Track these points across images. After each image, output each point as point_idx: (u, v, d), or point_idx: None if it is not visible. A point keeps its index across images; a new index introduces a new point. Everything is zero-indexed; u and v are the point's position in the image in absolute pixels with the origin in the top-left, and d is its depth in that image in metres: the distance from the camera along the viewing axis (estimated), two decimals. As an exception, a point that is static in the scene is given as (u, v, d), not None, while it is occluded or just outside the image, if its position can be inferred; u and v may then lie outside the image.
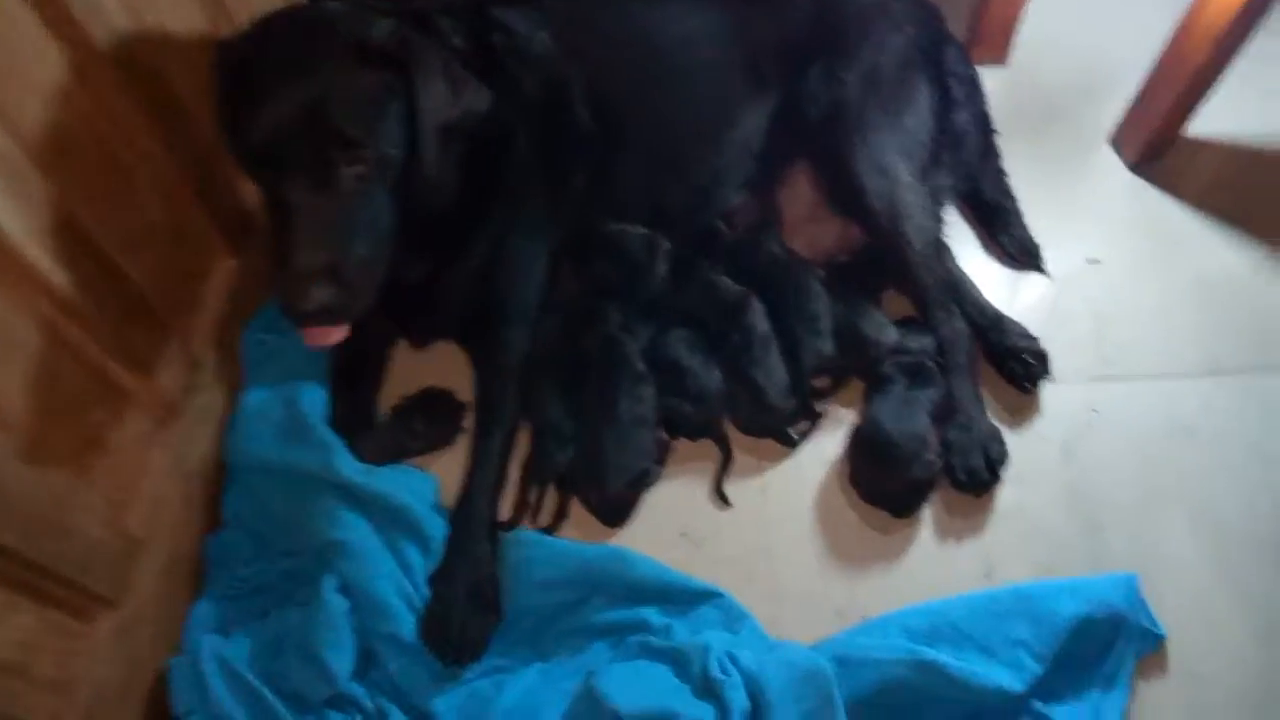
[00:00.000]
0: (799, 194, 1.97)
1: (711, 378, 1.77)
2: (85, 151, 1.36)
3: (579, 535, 1.69)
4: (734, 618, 1.58)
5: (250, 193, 1.81)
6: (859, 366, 1.81)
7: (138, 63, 1.46)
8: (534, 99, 1.68)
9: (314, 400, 1.72)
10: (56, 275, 1.30)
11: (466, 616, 1.53)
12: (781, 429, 1.78)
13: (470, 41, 1.59)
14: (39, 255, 1.26)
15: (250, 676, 1.46)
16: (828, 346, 1.80)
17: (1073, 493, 1.74)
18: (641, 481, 1.71)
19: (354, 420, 1.74)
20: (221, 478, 1.69)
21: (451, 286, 1.72)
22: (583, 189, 1.80)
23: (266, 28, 1.44)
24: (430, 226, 1.59)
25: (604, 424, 1.70)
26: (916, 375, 1.77)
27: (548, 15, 1.73)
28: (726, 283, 1.85)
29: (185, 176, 1.61)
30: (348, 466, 1.63)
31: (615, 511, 1.71)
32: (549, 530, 1.69)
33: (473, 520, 1.65)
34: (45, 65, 1.28)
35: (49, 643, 1.27)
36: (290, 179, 1.35)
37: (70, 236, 1.32)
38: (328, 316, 1.39)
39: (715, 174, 1.90)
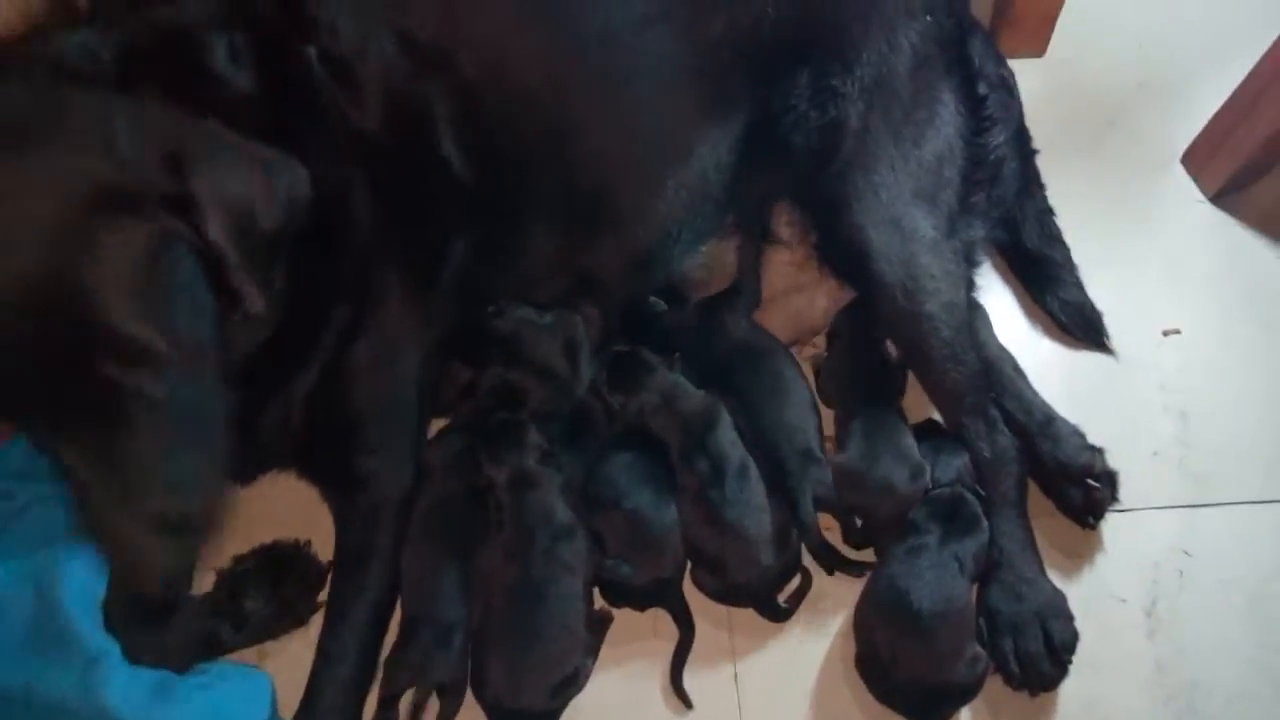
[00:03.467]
0: (775, 250, 1.48)
1: (665, 520, 1.29)
2: None
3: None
4: None
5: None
6: (871, 512, 1.32)
7: None
8: (374, 140, 1.15)
9: (83, 579, 1.19)
10: None
11: None
12: (768, 596, 1.30)
13: (259, 69, 1.03)
14: None
15: None
16: (824, 475, 1.31)
17: (1166, 678, 1.29)
18: (569, 687, 1.23)
19: (141, 601, 1.21)
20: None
21: (281, 414, 1.20)
22: (464, 262, 1.28)
23: None
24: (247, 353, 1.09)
25: (516, 604, 1.22)
26: (953, 519, 1.29)
27: None
28: (686, 387, 1.36)
29: None
30: (120, 690, 1.13)
31: None
32: None
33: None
34: None
35: None
36: (43, 428, 0.90)
37: None
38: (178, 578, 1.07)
39: (660, 227, 1.39)
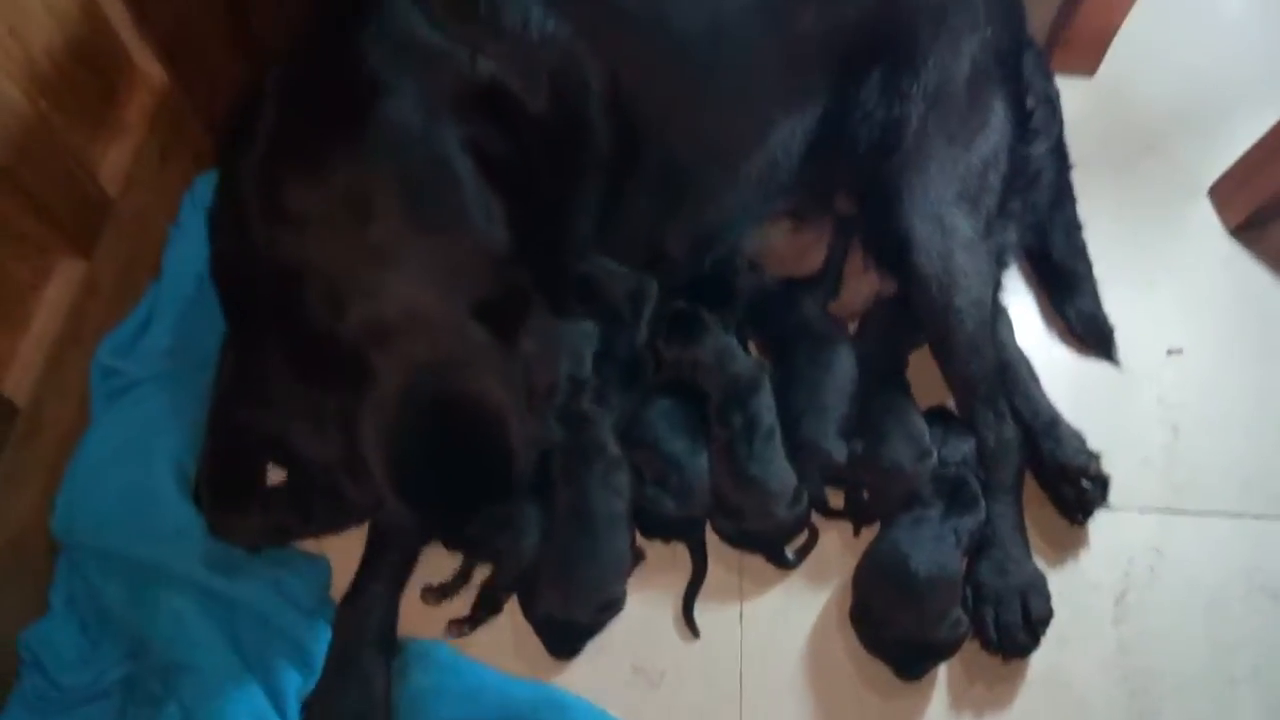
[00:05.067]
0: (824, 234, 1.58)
1: (698, 467, 1.41)
2: None
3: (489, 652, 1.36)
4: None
5: (110, 167, 1.37)
6: (881, 488, 1.44)
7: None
8: (542, 116, 1.23)
9: (177, 455, 1.34)
10: None
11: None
12: (778, 545, 1.43)
13: None
14: None
15: None
16: (839, 450, 1.42)
17: (1125, 660, 1.41)
18: (613, 608, 1.36)
19: (226, 487, 1.33)
20: (52, 552, 1.32)
21: None
22: (587, 236, 1.37)
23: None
24: None
25: (573, 524, 1.34)
26: (955, 497, 1.41)
27: None
28: (736, 351, 1.46)
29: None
30: (201, 558, 1.28)
31: (571, 640, 1.36)
32: (468, 624, 1.35)
33: (364, 625, 1.31)
34: None
35: None
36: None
37: None
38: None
39: (730, 208, 1.47)
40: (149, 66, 1.44)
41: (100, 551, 1.28)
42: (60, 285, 1.32)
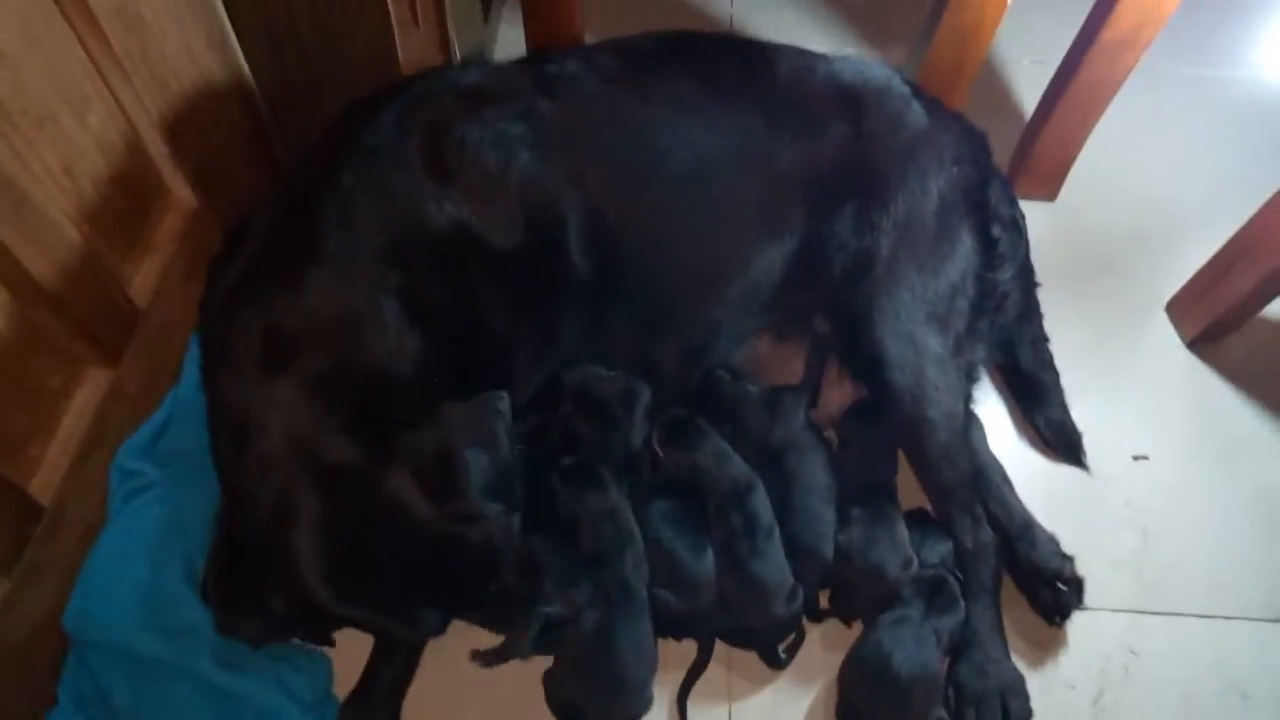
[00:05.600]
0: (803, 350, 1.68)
1: (703, 563, 1.45)
2: None
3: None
4: None
5: (141, 282, 1.48)
6: (861, 590, 1.49)
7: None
8: (511, 251, 1.35)
9: (189, 555, 1.38)
10: None
11: None
12: (772, 643, 1.47)
13: None
14: None
15: None
16: (827, 551, 1.49)
17: None
18: (647, 707, 1.39)
19: (232, 584, 1.34)
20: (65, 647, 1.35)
21: None
22: (566, 349, 1.48)
23: None
24: None
25: (620, 615, 1.36)
26: (935, 596, 1.46)
27: (537, 123, 1.40)
28: (732, 454, 1.53)
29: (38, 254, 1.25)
30: (207, 654, 1.32)
31: None
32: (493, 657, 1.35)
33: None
34: None
35: None
36: None
37: None
38: None
39: (713, 329, 1.58)
40: (181, 191, 1.56)
41: (109, 647, 1.31)
42: (88, 392, 1.39)
